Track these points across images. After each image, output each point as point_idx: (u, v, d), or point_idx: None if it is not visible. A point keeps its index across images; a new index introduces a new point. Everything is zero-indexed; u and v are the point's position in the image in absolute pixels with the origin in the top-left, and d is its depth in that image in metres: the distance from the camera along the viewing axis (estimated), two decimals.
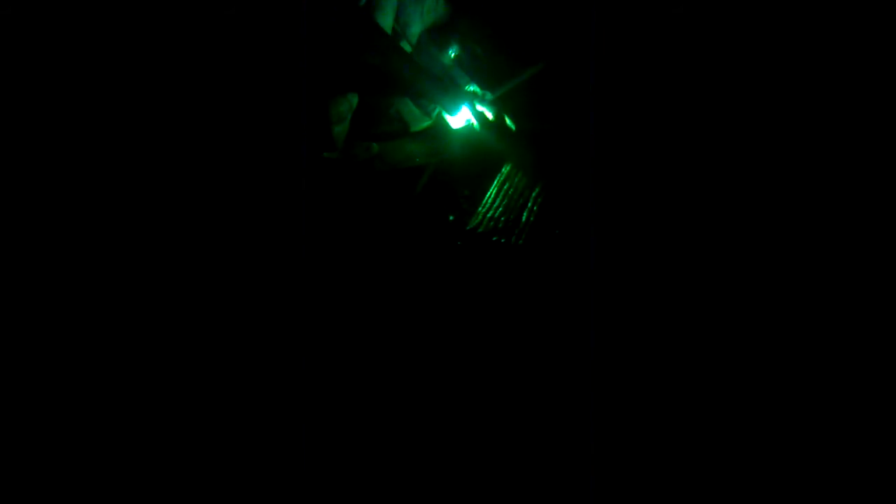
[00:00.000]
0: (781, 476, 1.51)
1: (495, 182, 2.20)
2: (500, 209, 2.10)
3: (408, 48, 2.22)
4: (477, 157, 2.27)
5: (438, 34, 2.33)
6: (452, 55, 2.36)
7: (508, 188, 2.18)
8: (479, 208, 2.11)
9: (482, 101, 2.25)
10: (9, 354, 1.72)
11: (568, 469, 1.59)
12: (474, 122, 2.23)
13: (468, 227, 2.05)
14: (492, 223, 2.05)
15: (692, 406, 1.64)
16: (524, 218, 2.05)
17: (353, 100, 2.17)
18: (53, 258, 1.84)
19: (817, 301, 1.75)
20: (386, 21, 2.14)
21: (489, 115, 2.23)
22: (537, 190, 2.15)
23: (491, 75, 2.33)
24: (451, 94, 2.21)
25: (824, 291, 1.76)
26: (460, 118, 2.28)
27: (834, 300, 1.75)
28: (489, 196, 2.15)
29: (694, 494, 1.51)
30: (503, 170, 2.23)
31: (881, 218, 1.85)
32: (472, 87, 2.29)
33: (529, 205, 2.09)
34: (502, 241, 1.99)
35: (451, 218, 2.13)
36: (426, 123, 2.32)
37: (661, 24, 2.16)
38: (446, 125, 2.30)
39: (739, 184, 1.96)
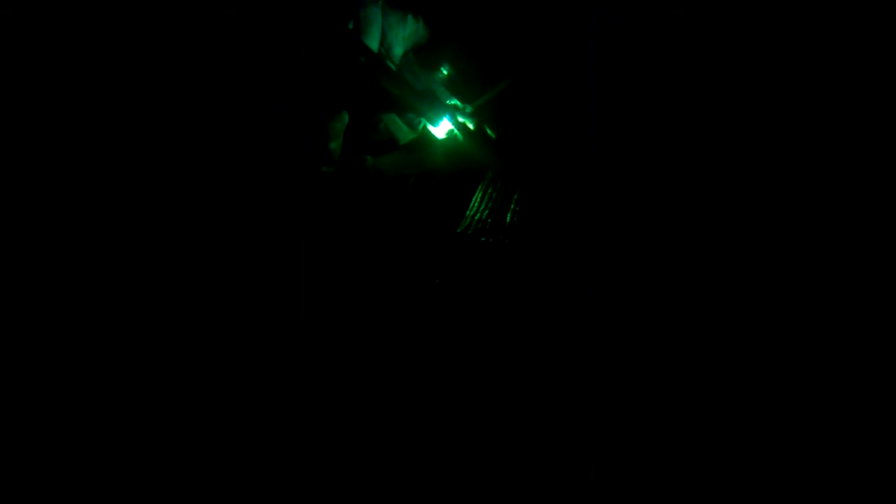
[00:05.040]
0: (780, 475, 1.57)
1: (479, 187, 2.38)
2: (486, 212, 2.29)
3: (392, 68, 2.41)
4: (461, 164, 2.45)
5: (420, 54, 2.53)
6: (436, 72, 2.56)
7: (492, 192, 2.37)
8: (467, 212, 2.30)
9: (463, 113, 2.45)
10: (9, 354, 1.76)
11: (553, 468, 1.68)
12: (457, 132, 2.43)
13: (458, 230, 2.24)
14: (479, 225, 2.25)
15: (680, 403, 1.72)
16: (508, 219, 2.26)
17: (345, 117, 2.35)
18: (53, 261, 1.87)
19: (816, 302, 1.80)
20: (372, 43, 2.33)
21: (470, 126, 2.44)
22: (518, 193, 2.35)
23: (470, 89, 2.53)
24: (434, 107, 2.42)
25: (823, 293, 1.81)
26: (443, 129, 2.48)
27: (833, 301, 1.79)
28: (475, 200, 2.34)
29: (693, 494, 1.57)
30: (486, 175, 2.42)
31: (881, 218, 1.85)
32: (452, 101, 2.49)
33: (512, 206, 2.29)
34: (490, 241, 2.19)
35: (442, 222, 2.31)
36: (413, 136, 2.51)
37: (660, 26, 2.12)
38: (431, 137, 2.49)
39: (733, 187, 1.99)
